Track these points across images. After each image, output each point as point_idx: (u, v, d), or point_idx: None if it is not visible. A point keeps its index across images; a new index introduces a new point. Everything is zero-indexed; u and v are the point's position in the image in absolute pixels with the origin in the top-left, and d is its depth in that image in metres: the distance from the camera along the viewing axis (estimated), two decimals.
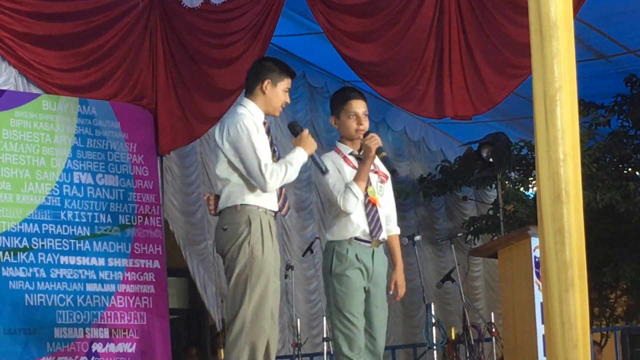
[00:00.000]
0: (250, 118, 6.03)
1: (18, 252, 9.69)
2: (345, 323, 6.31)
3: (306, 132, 6.22)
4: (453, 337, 9.35)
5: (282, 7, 10.13)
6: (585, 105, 11.76)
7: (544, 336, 7.20)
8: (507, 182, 12.41)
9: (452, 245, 10.23)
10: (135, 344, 10.17)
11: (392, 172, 6.54)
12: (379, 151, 6.49)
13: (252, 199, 5.95)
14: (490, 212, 12.87)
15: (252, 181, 5.90)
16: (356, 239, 6.43)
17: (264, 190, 5.92)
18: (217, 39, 10.58)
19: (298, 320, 10.20)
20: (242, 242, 5.84)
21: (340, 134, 6.71)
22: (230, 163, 5.95)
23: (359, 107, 6.65)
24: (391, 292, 6.60)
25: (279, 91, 6.15)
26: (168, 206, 11.11)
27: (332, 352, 10.06)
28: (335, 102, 6.71)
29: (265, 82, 6.14)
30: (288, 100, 6.27)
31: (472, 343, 9.29)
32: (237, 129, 5.95)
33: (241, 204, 5.91)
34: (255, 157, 5.92)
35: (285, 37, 11.49)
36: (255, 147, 5.94)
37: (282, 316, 11.80)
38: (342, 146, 6.70)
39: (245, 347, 5.77)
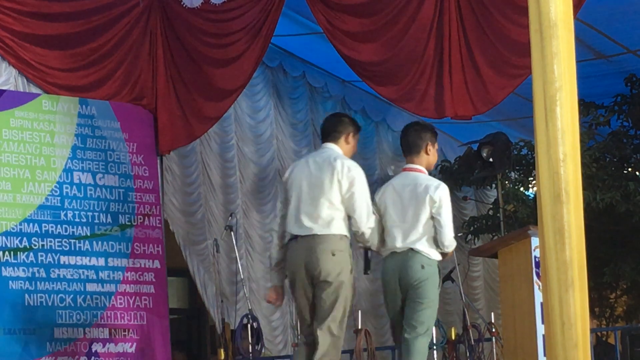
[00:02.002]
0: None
1: (18, 252, 9.69)
2: None
3: None
4: (453, 337, 9.35)
5: (282, 7, 10.13)
6: (585, 105, 11.74)
7: (544, 336, 7.19)
8: (507, 182, 12.40)
9: None
10: (135, 343, 10.17)
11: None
12: None
13: (349, 233, 6.88)
14: (490, 212, 12.86)
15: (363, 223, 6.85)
16: None
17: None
18: (217, 39, 10.58)
19: (298, 320, 10.19)
20: (349, 270, 6.79)
21: (428, 161, 7.20)
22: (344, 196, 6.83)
23: None
24: None
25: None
26: (168, 206, 11.10)
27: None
28: (433, 131, 7.29)
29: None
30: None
31: (472, 343, 9.29)
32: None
33: (346, 235, 6.81)
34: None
35: (285, 37, 11.49)
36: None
37: (283, 316, 11.80)
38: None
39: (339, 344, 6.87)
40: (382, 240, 7.03)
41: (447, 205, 6.94)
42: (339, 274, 6.73)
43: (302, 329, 7.10)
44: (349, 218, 6.84)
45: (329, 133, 7.11)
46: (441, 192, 6.93)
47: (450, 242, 6.93)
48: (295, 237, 6.87)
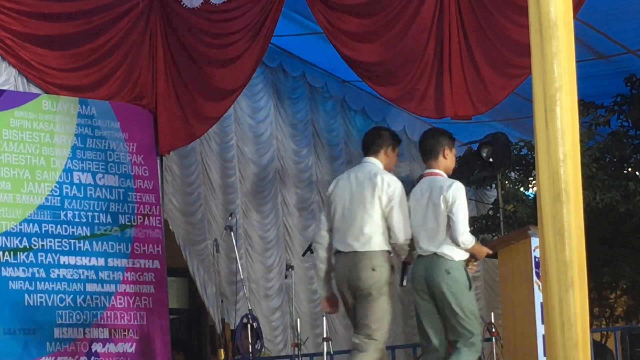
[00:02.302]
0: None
1: (18, 252, 9.69)
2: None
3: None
4: None
5: (282, 7, 10.13)
6: (585, 105, 11.74)
7: (544, 336, 7.19)
8: (507, 182, 12.39)
9: None
10: (135, 344, 10.17)
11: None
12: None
13: (389, 247, 7.06)
14: (490, 212, 12.85)
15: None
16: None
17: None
18: (217, 39, 10.58)
19: (298, 320, 10.21)
20: (387, 283, 7.03)
21: (445, 165, 7.26)
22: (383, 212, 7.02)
23: None
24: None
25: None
26: (168, 206, 11.11)
27: (331, 353, 10.07)
28: (450, 136, 7.38)
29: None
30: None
31: None
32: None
33: (387, 251, 7.02)
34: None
35: (285, 37, 11.49)
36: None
37: (283, 316, 11.80)
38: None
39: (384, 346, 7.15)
40: (413, 249, 7.18)
41: (460, 202, 6.98)
42: (379, 287, 6.98)
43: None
44: (388, 230, 7.04)
45: (368, 147, 7.34)
46: (453, 190, 7.00)
47: (463, 237, 6.93)
48: (339, 252, 7.14)
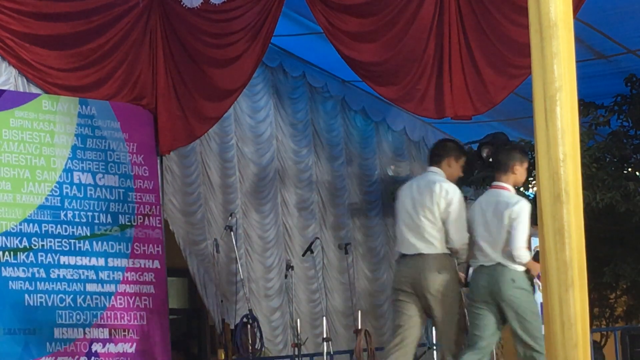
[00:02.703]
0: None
1: (18, 252, 9.69)
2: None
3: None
4: None
5: (282, 7, 10.13)
6: (585, 105, 11.73)
7: (544, 336, 7.19)
8: None
9: None
10: (135, 344, 10.17)
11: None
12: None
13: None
14: None
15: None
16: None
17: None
18: (217, 39, 10.58)
19: (298, 320, 10.21)
20: (456, 286, 7.30)
21: (515, 179, 7.38)
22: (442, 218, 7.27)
23: None
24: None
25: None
26: (168, 206, 11.10)
27: (331, 353, 10.06)
28: (523, 152, 7.60)
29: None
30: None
31: None
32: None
33: (448, 254, 7.26)
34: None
35: (285, 37, 11.49)
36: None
37: (283, 316, 11.80)
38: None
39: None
40: (473, 254, 7.33)
41: (522, 219, 7.10)
42: (446, 290, 7.21)
43: (394, 342, 7.44)
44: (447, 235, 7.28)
45: (432, 157, 7.61)
46: (518, 208, 7.13)
47: (519, 252, 7.06)
48: (403, 256, 7.39)
